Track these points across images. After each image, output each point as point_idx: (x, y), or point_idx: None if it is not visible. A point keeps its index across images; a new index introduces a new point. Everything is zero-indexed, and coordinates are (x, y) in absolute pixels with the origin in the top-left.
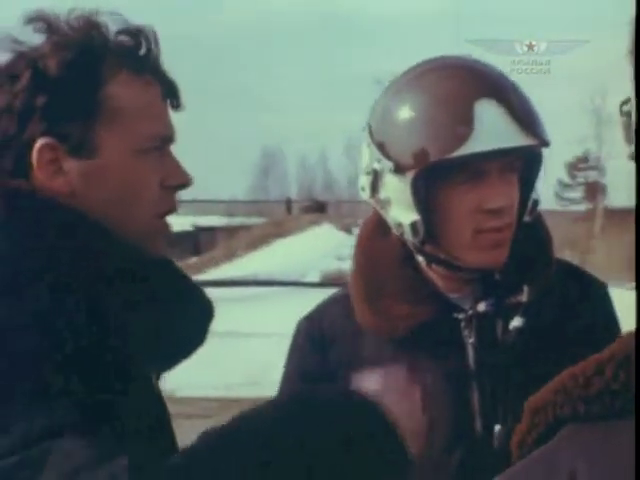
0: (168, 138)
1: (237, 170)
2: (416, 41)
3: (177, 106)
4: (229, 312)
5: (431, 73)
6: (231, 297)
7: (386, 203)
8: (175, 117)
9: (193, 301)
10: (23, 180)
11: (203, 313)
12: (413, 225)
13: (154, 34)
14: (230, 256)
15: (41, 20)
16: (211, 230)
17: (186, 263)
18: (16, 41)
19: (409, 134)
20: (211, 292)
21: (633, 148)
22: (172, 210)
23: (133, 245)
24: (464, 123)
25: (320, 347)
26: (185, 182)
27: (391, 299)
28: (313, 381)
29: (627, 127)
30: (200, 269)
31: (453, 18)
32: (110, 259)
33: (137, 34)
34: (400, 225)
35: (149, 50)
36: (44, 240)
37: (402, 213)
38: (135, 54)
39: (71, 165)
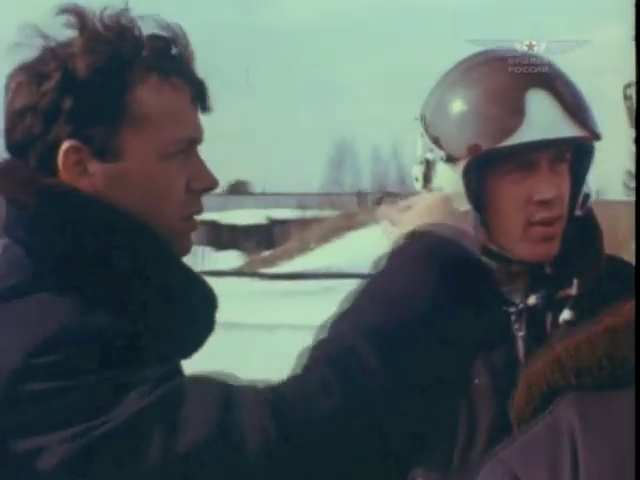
0: (195, 141)
1: (310, 163)
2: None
3: (206, 109)
4: (301, 305)
5: (482, 65)
6: (304, 290)
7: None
8: (249, 111)
9: (195, 291)
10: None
11: (206, 303)
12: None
13: (185, 35)
14: (303, 249)
15: (74, 14)
16: (284, 223)
17: (260, 256)
18: (45, 36)
19: (461, 127)
20: (284, 285)
21: (634, 132)
22: (198, 212)
23: (167, 242)
24: (514, 114)
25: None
26: (211, 185)
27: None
28: None
29: (630, 110)
30: (273, 262)
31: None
32: (148, 255)
33: (169, 35)
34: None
35: (180, 52)
36: (91, 235)
37: (455, 203)
38: (165, 56)
39: (96, 167)
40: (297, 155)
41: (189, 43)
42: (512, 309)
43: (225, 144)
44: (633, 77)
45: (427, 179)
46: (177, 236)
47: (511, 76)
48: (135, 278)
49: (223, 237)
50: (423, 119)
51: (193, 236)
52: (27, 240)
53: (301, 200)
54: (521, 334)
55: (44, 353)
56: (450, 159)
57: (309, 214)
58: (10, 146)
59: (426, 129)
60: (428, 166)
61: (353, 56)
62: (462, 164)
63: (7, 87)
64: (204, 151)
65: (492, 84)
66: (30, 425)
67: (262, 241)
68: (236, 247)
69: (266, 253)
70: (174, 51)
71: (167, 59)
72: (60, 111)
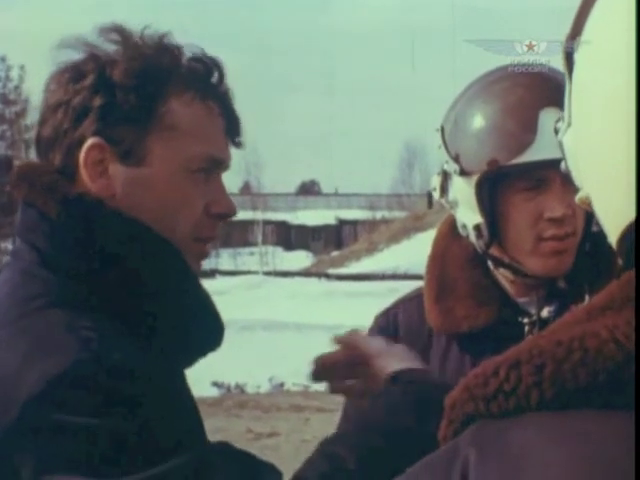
0: (219, 162)
1: (380, 163)
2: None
3: (238, 144)
4: (367, 306)
5: (501, 81)
6: (370, 291)
7: (454, 204)
8: (326, 112)
9: (206, 314)
10: (81, 189)
11: (214, 327)
12: (477, 227)
13: (224, 69)
14: (371, 250)
15: (116, 32)
16: (353, 224)
17: (329, 256)
18: (89, 44)
19: (477, 141)
20: (351, 286)
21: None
22: (211, 238)
23: (183, 258)
24: (528, 131)
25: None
26: (229, 212)
27: (458, 299)
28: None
29: (560, 146)
30: (342, 262)
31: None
32: (169, 273)
33: (209, 63)
34: (465, 227)
35: (220, 81)
36: (113, 251)
37: (467, 215)
38: (204, 79)
39: (117, 169)
40: (368, 156)
41: (226, 78)
42: (526, 320)
43: (296, 144)
44: (633, 77)
45: (444, 190)
46: (188, 257)
47: (526, 93)
48: (153, 296)
49: (292, 237)
50: (442, 131)
51: (262, 235)
52: (45, 249)
53: (371, 201)
54: None
55: (63, 385)
56: (464, 173)
57: (378, 215)
58: (39, 141)
59: (444, 141)
60: (445, 177)
61: (421, 58)
62: (475, 178)
63: (47, 87)
64: (278, 152)
65: (508, 100)
66: (48, 461)
67: (331, 242)
68: (305, 247)
69: (335, 254)
70: (213, 79)
71: (205, 82)
72: (90, 108)
